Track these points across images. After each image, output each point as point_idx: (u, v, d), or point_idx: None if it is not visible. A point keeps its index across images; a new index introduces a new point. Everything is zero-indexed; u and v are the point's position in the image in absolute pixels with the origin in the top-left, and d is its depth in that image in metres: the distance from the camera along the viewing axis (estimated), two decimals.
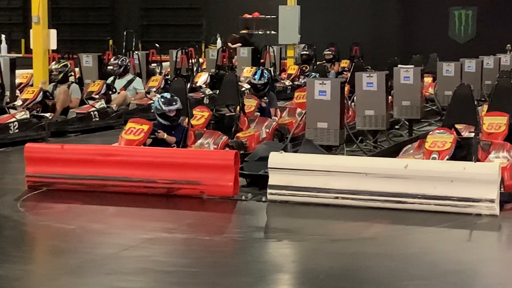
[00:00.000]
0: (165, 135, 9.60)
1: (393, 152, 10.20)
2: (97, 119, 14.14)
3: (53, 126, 13.15)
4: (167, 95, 9.92)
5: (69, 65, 14.39)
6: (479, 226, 7.65)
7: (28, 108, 12.98)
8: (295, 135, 11.03)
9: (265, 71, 12.76)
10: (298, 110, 12.72)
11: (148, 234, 7.26)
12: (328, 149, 9.81)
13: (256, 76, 12.51)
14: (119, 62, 15.82)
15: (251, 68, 19.73)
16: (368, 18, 29.13)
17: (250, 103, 11.92)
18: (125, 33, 26.60)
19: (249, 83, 12.62)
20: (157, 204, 8.46)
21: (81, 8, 33.17)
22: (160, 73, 19.94)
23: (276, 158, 8.50)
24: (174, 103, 9.71)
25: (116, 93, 15.21)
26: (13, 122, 12.39)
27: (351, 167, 8.31)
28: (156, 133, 9.57)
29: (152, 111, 10.18)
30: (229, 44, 24.43)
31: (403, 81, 12.30)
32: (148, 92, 16.24)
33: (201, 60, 22.69)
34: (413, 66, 13.23)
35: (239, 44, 24.43)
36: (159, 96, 10.12)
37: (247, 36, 27.07)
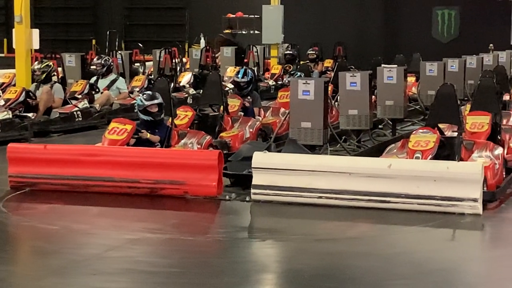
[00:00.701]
0: (149, 135, 9.58)
1: (377, 151, 10.22)
2: (80, 119, 14.09)
3: (36, 126, 13.10)
4: (149, 92, 9.97)
5: (51, 65, 14.34)
6: (462, 225, 7.68)
7: (11, 108, 12.92)
8: (279, 135, 11.03)
9: (249, 70, 12.77)
10: (282, 109, 12.72)
11: (132, 235, 7.24)
12: (312, 149, 9.81)
13: (239, 75, 12.52)
14: (102, 62, 15.78)
15: (235, 67, 19.71)
16: (351, 17, 29.16)
17: (234, 103, 11.91)
18: (108, 32, 26.55)
19: (233, 82, 12.63)
20: (141, 204, 8.44)
21: (64, 8, 33.05)
22: (144, 73, 19.89)
23: (259, 158, 8.50)
24: (155, 98, 9.72)
25: (99, 93, 15.16)
26: None
27: (334, 166, 8.32)
28: (139, 133, 9.54)
29: (135, 110, 10.16)
30: (217, 44, 24.36)
31: (387, 80, 12.32)
32: (131, 92, 16.20)
33: (184, 59, 22.66)
34: (396, 65, 13.27)
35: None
36: (141, 94, 10.14)
37: (231, 36, 27.07)
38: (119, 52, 18.73)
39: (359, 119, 11.26)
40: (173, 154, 9.15)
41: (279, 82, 20.52)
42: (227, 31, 28.36)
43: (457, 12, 28.35)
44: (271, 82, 20.82)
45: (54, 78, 14.49)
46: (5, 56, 28.05)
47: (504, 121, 10.92)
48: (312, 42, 25.20)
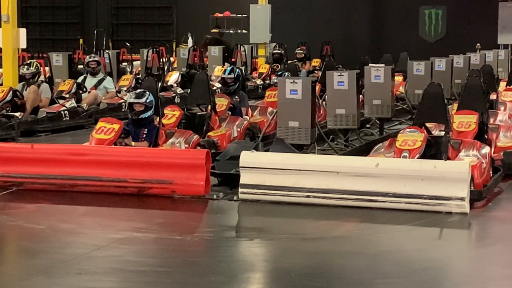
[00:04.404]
0: (133, 143, 9.54)
1: (364, 150, 10.24)
2: (68, 118, 14.05)
3: (23, 125, 13.06)
4: (141, 90, 9.98)
5: (38, 65, 14.28)
6: (449, 224, 7.70)
7: None
8: (267, 134, 11.03)
9: (236, 69, 12.81)
10: (269, 109, 12.73)
11: (119, 234, 7.23)
12: (300, 148, 9.82)
13: (226, 72, 12.55)
14: (98, 59, 15.77)
15: (222, 67, 19.71)
16: (339, 17, 29.21)
17: (221, 102, 11.91)
18: (95, 32, 26.50)
19: (220, 79, 12.67)
20: (128, 203, 8.43)
21: (51, 7, 32.96)
22: (131, 72, 19.87)
23: (247, 157, 8.50)
24: (141, 97, 9.72)
25: (87, 92, 15.13)
26: None
27: (322, 166, 8.33)
28: (123, 138, 9.49)
29: (123, 110, 10.18)
30: (204, 46, 24.36)
31: (374, 80, 12.34)
32: (118, 91, 16.17)
33: (172, 59, 22.64)
34: (383, 65, 13.28)
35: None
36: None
37: (219, 35, 27.05)
38: (107, 51, 18.69)
39: (347, 118, 11.27)
40: (160, 153, 9.14)
41: (267, 82, 20.53)
42: (214, 30, 28.34)
43: (444, 12, 28.42)
44: (258, 82, 20.83)
45: (41, 78, 14.44)
46: None
47: (491, 120, 10.96)
48: (299, 41, 25.24)
